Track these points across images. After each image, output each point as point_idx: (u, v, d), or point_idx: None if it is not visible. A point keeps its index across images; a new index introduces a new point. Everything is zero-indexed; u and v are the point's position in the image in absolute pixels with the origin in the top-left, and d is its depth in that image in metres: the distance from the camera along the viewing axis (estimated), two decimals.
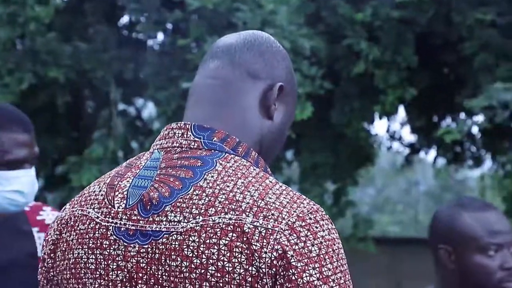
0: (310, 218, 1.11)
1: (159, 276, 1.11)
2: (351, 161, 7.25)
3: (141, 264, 1.12)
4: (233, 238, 1.09)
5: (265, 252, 1.08)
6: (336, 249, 1.11)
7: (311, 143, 6.97)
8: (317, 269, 1.08)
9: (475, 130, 7.24)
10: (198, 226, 1.10)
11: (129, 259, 1.13)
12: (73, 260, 1.18)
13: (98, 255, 1.15)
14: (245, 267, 1.07)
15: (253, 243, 1.08)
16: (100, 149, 6.72)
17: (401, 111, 7.78)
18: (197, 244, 1.10)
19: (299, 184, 7.12)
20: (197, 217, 1.11)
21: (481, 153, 7.85)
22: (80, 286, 1.17)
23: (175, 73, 6.62)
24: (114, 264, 1.14)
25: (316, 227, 1.10)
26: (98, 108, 7.67)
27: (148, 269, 1.12)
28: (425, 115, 7.81)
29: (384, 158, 17.26)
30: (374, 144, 7.88)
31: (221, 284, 1.08)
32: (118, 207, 1.16)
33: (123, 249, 1.14)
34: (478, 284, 1.77)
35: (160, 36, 7.65)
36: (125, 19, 7.89)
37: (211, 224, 1.10)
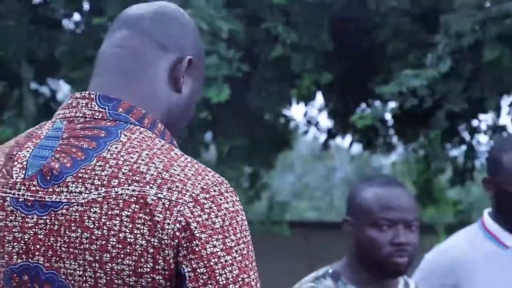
0: (215, 190, 1.11)
1: (58, 247, 1.09)
2: (268, 145, 7.30)
3: (39, 236, 1.10)
4: (135, 209, 1.07)
5: (168, 224, 1.07)
6: (240, 221, 1.11)
7: (228, 126, 6.98)
8: (221, 240, 1.08)
9: (388, 116, 7.41)
10: (100, 197, 1.08)
11: (26, 230, 1.10)
12: None
13: None
14: (147, 238, 1.06)
15: (156, 215, 1.07)
16: (10, 130, 6.53)
17: (319, 97, 7.88)
18: (99, 215, 1.08)
19: (216, 167, 7.13)
20: (100, 188, 1.09)
21: (394, 139, 8.05)
22: None
23: (90, 52, 6.49)
24: (10, 235, 1.11)
25: (221, 199, 1.10)
26: (8, 88, 7.43)
27: (46, 241, 1.09)
28: (342, 101, 7.94)
29: (303, 145, 17.48)
30: (291, 129, 7.96)
31: (122, 255, 1.07)
32: (17, 178, 1.13)
33: (20, 220, 1.11)
34: (370, 257, 1.82)
35: (76, 16, 7.48)
36: None
37: (114, 196, 1.08)
